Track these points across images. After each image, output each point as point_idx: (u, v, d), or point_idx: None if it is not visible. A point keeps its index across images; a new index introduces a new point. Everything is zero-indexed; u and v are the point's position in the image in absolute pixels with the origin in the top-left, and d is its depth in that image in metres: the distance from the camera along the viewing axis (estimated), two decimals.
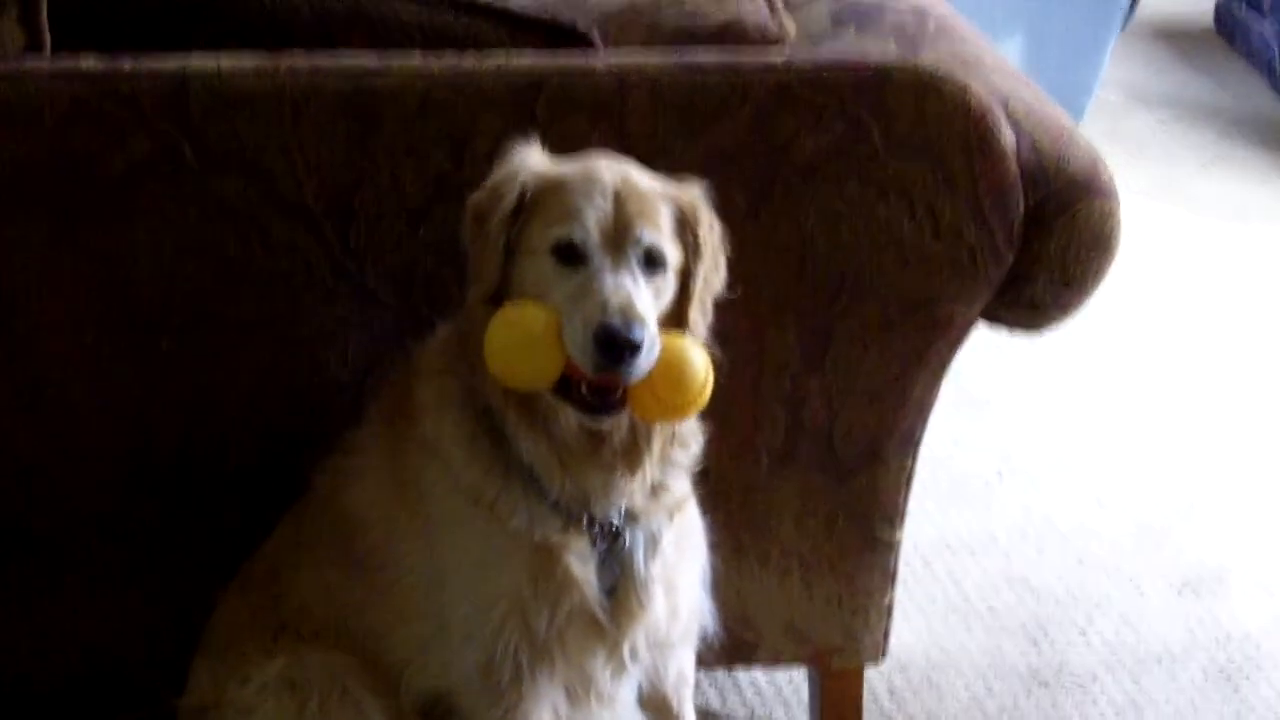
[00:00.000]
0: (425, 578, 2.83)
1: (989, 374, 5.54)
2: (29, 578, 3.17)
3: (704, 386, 2.64)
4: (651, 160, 2.77)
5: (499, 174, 2.71)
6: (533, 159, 2.71)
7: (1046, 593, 4.47)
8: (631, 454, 2.74)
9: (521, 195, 2.66)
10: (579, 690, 2.85)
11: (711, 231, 2.75)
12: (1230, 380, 5.62)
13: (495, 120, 2.91)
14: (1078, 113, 6.85)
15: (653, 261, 2.65)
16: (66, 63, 2.89)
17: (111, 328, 3.00)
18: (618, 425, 2.70)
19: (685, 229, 2.71)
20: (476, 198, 2.71)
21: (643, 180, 2.69)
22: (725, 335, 2.80)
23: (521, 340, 2.60)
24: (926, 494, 4.82)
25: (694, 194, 2.74)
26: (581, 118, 2.93)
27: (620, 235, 2.62)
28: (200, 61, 2.89)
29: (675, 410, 2.65)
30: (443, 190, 2.95)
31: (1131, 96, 8.09)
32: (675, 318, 2.71)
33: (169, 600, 3.20)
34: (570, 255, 2.62)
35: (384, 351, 3.02)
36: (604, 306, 2.55)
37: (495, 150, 2.82)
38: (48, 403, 3.04)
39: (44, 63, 2.91)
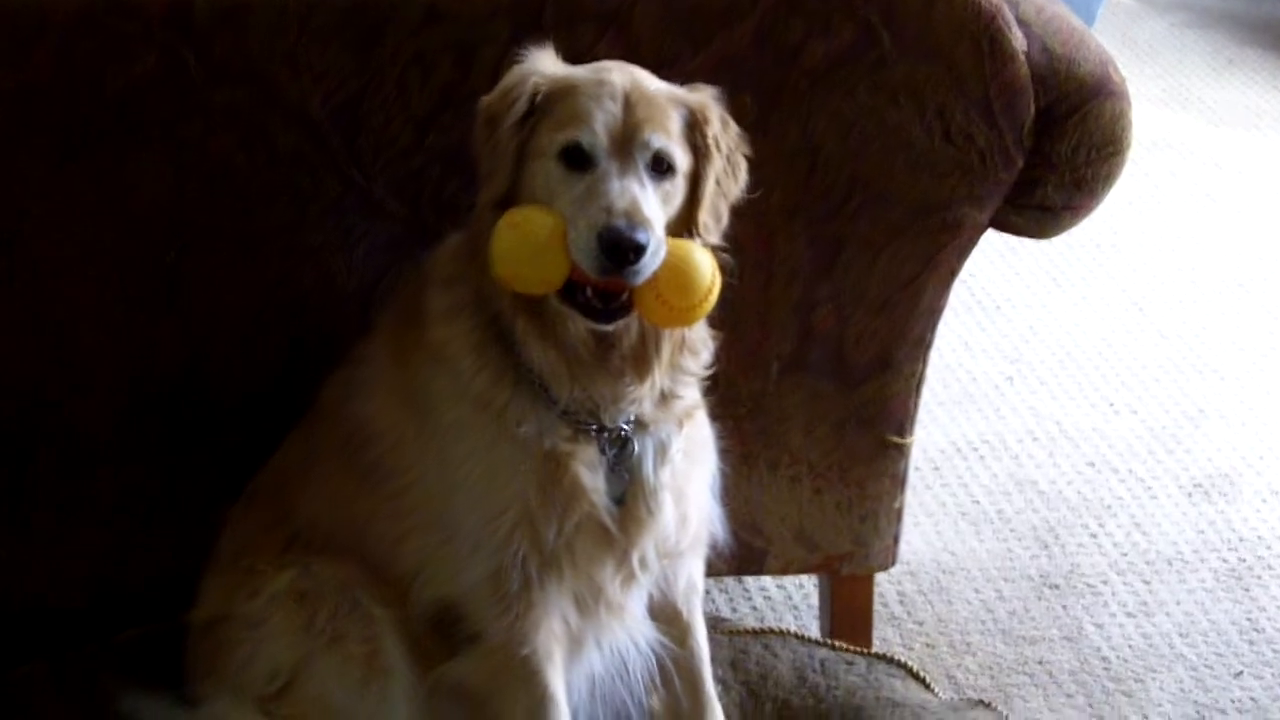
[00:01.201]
0: (434, 487, 2.83)
1: (1000, 279, 5.54)
2: (37, 498, 3.17)
3: (710, 291, 2.63)
4: (659, 69, 2.75)
5: (510, 77, 2.69)
6: (544, 62, 2.70)
7: (1057, 496, 4.48)
8: (640, 361, 2.73)
9: (533, 98, 2.65)
10: (588, 600, 2.85)
11: (725, 133, 2.73)
12: (1242, 284, 5.62)
13: (502, 28, 2.90)
14: (1089, 18, 6.79)
15: (661, 166, 2.64)
16: None
17: (116, 245, 2.99)
18: (626, 331, 2.70)
19: (696, 134, 2.70)
20: (488, 100, 2.70)
21: (652, 85, 2.68)
22: (735, 243, 2.79)
23: (527, 244, 2.59)
24: (936, 399, 4.82)
25: (705, 97, 2.72)
26: (589, 26, 2.92)
27: (628, 139, 2.61)
28: None
29: (681, 315, 2.64)
30: (449, 99, 2.93)
31: (1144, 1, 8.04)
32: (686, 223, 2.70)
33: (177, 518, 3.21)
34: (578, 159, 2.61)
35: (391, 261, 3.02)
36: (609, 209, 2.54)
37: (502, 59, 2.81)
38: (52, 324, 3.04)
39: None
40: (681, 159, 2.66)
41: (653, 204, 2.60)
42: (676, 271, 2.60)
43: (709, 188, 2.71)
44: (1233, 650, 3.93)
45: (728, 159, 2.74)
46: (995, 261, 5.53)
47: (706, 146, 2.70)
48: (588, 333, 2.68)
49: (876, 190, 3.11)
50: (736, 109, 2.81)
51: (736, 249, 2.79)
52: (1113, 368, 5.10)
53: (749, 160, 2.79)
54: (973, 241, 3.23)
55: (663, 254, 2.58)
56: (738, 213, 2.79)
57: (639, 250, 2.52)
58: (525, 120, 2.65)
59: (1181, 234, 5.95)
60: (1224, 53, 7.51)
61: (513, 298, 2.67)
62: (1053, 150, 3.08)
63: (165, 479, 3.19)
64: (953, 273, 3.25)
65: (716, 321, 2.81)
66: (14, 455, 3.13)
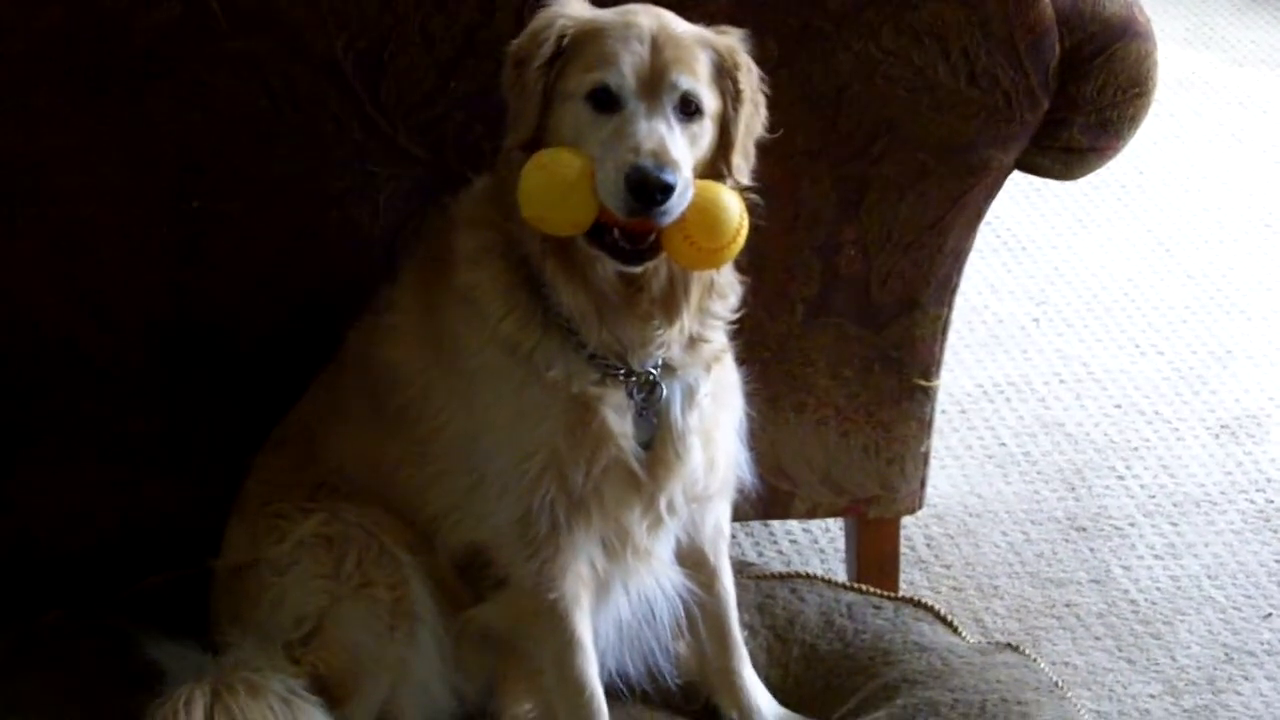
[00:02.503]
0: (462, 431, 2.83)
1: (1025, 220, 5.52)
2: (64, 444, 3.18)
3: (738, 231, 2.62)
4: (683, 9, 2.74)
5: (538, 20, 2.69)
6: (572, 5, 2.69)
7: (1084, 438, 4.47)
8: (669, 304, 2.73)
9: (560, 40, 2.65)
10: (616, 544, 2.86)
11: (750, 75, 2.72)
12: (1268, 224, 5.60)
13: None
14: None
15: (689, 108, 2.63)
16: None
17: (141, 191, 2.99)
18: (655, 274, 2.69)
19: (724, 76, 2.69)
20: (516, 43, 2.70)
21: (680, 26, 2.68)
22: (759, 186, 2.78)
23: (555, 185, 2.59)
24: (962, 341, 4.81)
25: (732, 40, 2.71)
26: None
27: (656, 81, 2.61)
28: None
29: (710, 256, 2.64)
30: (473, 43, 2.93)
31: None
32: (714, 165, 2.70)
33: (203, 464, 3.21)
34: (606, 101, 2.61)
35: (415, 207, 3.02)
36: (637, 150, 2.54)
37: (525, 3, 2.81)
38: (78, 269, 3.04)
39: None
40: (709, 101, 2.66)
41: (680, 145, 2.60)
42: (704, 213, 2.59)
43: (740, 130, 2.70)
44: (1262, 592, 3.93)
45: (753, 100, 2.73)
46: (1020, 203, 5.51)
47: (738, 91, 2.69)
48: (616, 275, 2.68)
49: (901, 132, 3.10)
50: (760, 50, 2.80)
51: (760, 192, 2.78)
52: (1139, 309, 5.08)
53: (771, 100, 2.78)
54: (998, 183, 3.22)
55: (690, 195, 2.58)
56: (763, 154, 2.79)
57: (666, 190, 2.52)
58: (553, 62, 2.64)
59: (1207, 174, 5.92)
60: None
61: (542, 240, 2.67)
62: (1078, 91, 3.07)
63: (190, 421, 3.20)
64: (979, 214, 3.24)
65: (742, 265, 2.81)
66: (36, 393, 3.13)
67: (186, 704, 2.76)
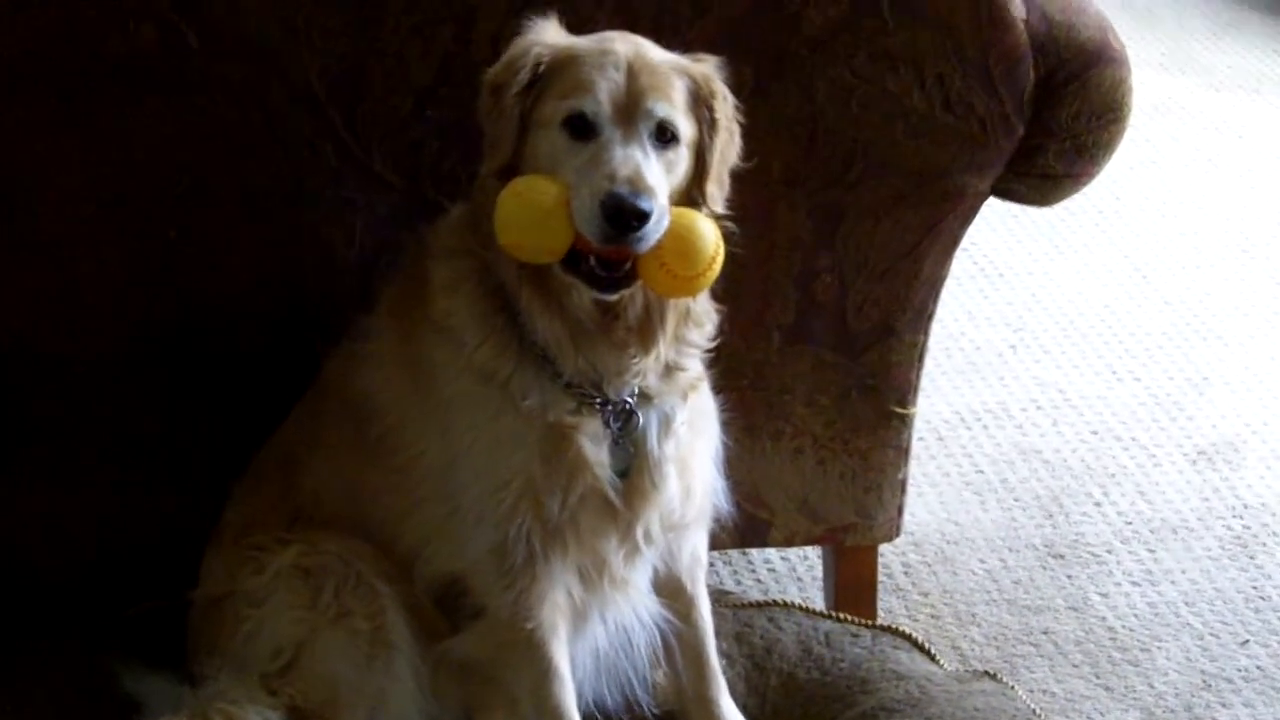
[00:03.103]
0: (438, 461, 2.82)
1: (1002, 246, 5.53)
2: (38, 468, 3.16)
3: (714, 259, 2.62)
4: (659, 36, 2.74)
5: (514, 48, 2.69)
6: (548, 33, 2.69)
7: (1061, 465, 4.47)
8: (645, 332, 2.73)
9: (536, 67, 2.64)
10: (592, 573, 2.85)
11: (725, 104, 2.72)
12: (1245, 249, 5.61)
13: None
14: None
15: (665, 135, 2.63)
16: None
17: (115, 210, 2.98)
18: (631, 302, 2.69)
19: (700, 104, 2.69)
20: (492, 71, 2.70)
21: (656, 54, 2.68)
22: (735, 212, 2.77)
23: (530, 212, 2.58)
24: (940, 368, 4.82)
25: (708, 68, 2.71)
26: None
27: (632, 108, 2.60)
28: None
29: (686, 283, 2.63)
30: (449, 71, 2.92)
31: None
32: (689, 193, 2.70)
33: (178, 491, 3.19)
34: (581, 128, 2.60)
35: (390, 234, 3.01)
36: (612, 177, 2.54)
37: (502, 30, 2.82)
38: (52, 284, 3.02)
39: None
40: (685, 128, 2.65)
41: (656, 172, 2.59)
42: (680, 239, 2.59)
43: (715, 158, 2.70)
44: (1239, 618, 3.93)
45: (729, 128, 2.73)
46: (997, 229, 5.52)
47: (714, 120, 2.70)
48: (592, 304, 2.67)
49: (877, 159, 3.10)
50: (736, 76, 2.80)
51: (736, 219, 2.78)
52: (1116, 335, 5.09)
53: (747, 127, 2.78)
54: (974, 209, 3.22)
55: (666, 222, 2.57)
56: (738, 181, 2.78)
57: (642, 217, 2.52)
58: (529, 90, 2.64)
59: (1184, 199, 5.94)
60: (1224, 16, 7.48)
61: (518, 268, 2.66)
62: (1053, 118, 3.07)
63: (164, 446, 3.17)
64: (954, 241, 3.25)
65: (718, 293, 2.81)
66: (6, 410, 3.12)
67: None
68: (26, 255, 3.00)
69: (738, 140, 2.77)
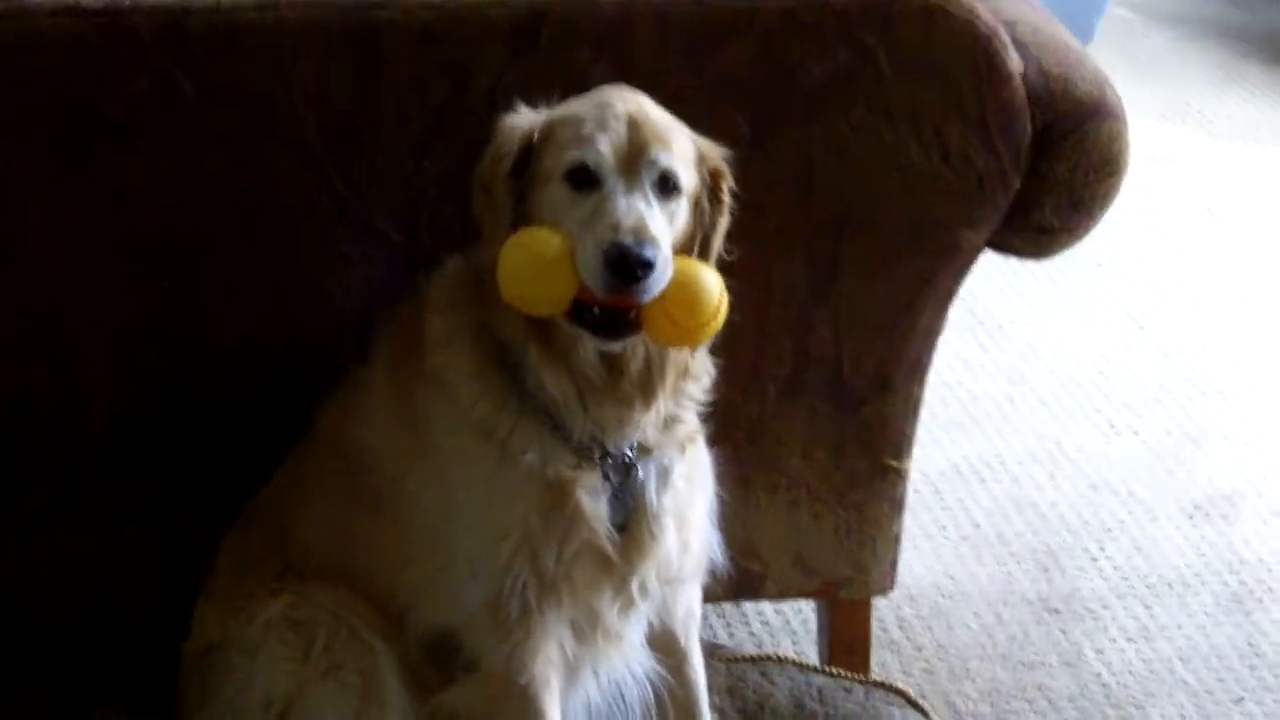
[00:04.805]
0: (433, 514, 2.82)
1: (999, 298, 5.52)
2: (28, 519, 3.15)
3: (718, 309, 2.62)
4: (656, 92, 2.74)
5: (497, 136, 2.69)
6: (523, 117, 2.69)
7: (1057, 519, 4.46)
8: (646, 386, 2.72)
9: (526, 140, 2.64)
10: (586, 628, 2.84)
11: (729, 180, 2.74)
12: (1242, 303, 5.60)
13: (498, 51, 2.88)
14: (1089, 31, 6.80)
15: (667, 185, 2.63)
16: None
17: (111, 262, 2.98)
18: (633, 355, 2.69)
19: (702, 165, 2.70)
20: (481, 169, 2.70)
21: (656, 110, 2.68)
22: (731, 266, 2.77)
23: (534, 263, 2.58)
24: (936, 420, 4.80)
25: (721, 152, 2.73)
26: (585, 48, 2.91)
27: (634, 158, 2.60)
28: None
29: (690, 334, 2.63)
30: (445, 122, 2.92)
31: (1144, 14, 8.02)
32: (689, 245, 2.70)
33: (171, 541, 3.18)
34: (584, 180, 2.60)
35: (388, 286, 3.00)
36: (616, 226, 2.53)
37: (499, 81, 2.83)
38: (48, 337, 3.02)
39: None
40: (687, 180, 2.66)
41: (659, 222, 2.59)
42: (685, 289, 2.59)
43: (717, 241, 2.74)
44: (1234, 675, 3.92)
45: (730, 209, 2.76)
46: (995, 280, 5.51)
47: (720, 201, 2.72)
48: (598, 358, 2.67)
49: (873, 212, 3.10)
50: (731, 129, 2.80)
51: (732, 272, 2.77)
52: (1114, 387, 5.08)
53: (742, 180, 2.78)
54: (970, 263, 3.22)
55: (670, 272, 2.57)
56: (734, 234, 2.78)
57: (646, 266, 2.51)
58: (519, 171, 2.65)
59: (1182, 250, 5.93)
60: (1223, 66, 7.49)
61: (525, 325, 2.66)
62: (1050, 171, 3.07)
63: (157, 497, 3.17)
64: (950, 294, 3.24)
65: (715, 346, 2.81)
66: (3, 454, 3.11)
67: None
68: (21, 308, 2.99)
69: (730, 215, 2.78)
